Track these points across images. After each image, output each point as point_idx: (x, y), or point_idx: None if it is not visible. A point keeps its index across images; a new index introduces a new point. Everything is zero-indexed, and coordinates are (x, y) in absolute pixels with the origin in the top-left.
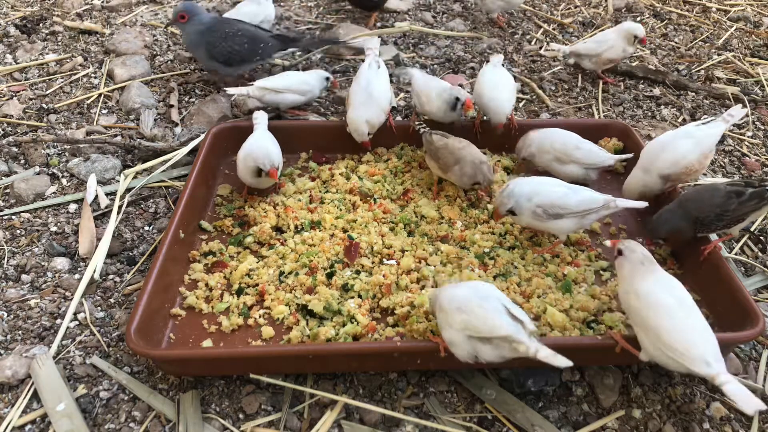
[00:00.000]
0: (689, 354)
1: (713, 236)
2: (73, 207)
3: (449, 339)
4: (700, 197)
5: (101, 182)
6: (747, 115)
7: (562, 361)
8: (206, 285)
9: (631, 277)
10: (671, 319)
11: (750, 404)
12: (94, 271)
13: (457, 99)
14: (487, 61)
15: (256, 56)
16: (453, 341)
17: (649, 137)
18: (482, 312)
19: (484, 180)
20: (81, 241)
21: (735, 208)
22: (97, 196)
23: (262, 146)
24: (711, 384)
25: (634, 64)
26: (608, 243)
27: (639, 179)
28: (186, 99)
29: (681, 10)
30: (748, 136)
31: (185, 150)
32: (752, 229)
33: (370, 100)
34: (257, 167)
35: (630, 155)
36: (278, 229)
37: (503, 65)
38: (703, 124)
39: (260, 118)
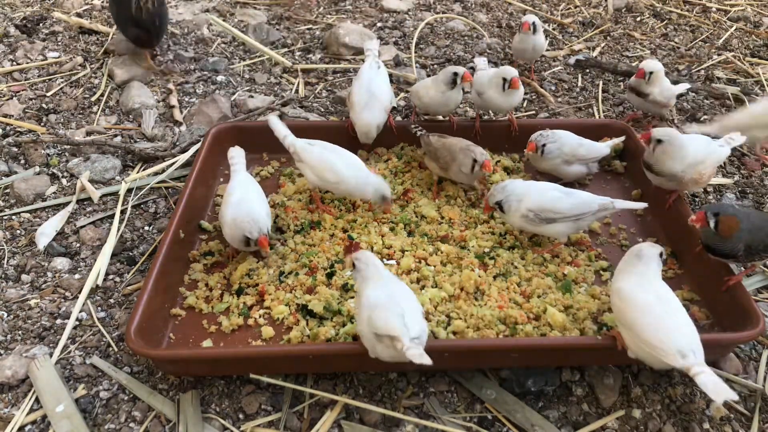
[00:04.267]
0: (663, 347)
1: (734, 266)
2: (72, 207)
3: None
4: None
5: (101, 182)
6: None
7: (426, 360)
8: (206, 285)
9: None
10: (649, 315)
11: (719, 394)
12: (98, 276)
13: (455, 74)
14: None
15: None
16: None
17: None
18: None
19: (479, 155)
20: (82, 241)
21: None
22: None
23: (246, 209)
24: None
25: (634, 64)
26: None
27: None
28: (186, 99)
29: (681, 10)
30: None
31: (186, 156)
32: None
33: (373, 100)
34: (245, 236)
35: (622, 138)
36: (278, 229)
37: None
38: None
39: (237, 157)
